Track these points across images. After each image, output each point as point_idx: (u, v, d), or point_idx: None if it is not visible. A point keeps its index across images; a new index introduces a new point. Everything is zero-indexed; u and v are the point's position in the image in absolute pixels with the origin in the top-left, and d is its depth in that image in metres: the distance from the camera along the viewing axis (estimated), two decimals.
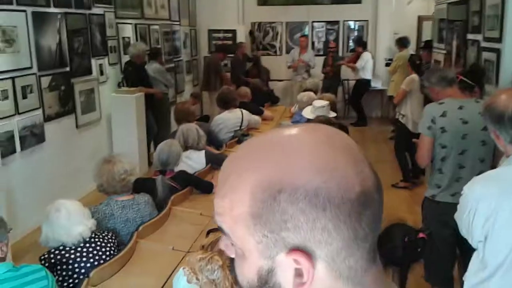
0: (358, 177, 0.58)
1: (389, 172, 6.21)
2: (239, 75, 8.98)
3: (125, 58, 6.55)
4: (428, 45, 6.24)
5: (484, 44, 4.03)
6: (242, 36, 9.95)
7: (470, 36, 4.41)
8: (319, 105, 4.50)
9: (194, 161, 3.75)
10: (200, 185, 3.34)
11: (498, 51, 3.68)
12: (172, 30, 8.57)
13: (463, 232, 1.70)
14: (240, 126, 5.18)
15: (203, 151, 3.81)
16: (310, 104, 4.87)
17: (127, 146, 5.93)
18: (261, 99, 7.11)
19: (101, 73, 6.05)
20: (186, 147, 3.76)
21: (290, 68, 9.49)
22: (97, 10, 5.90)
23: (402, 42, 8.51)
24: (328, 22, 10.19)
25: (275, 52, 10.44)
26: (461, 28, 4.69)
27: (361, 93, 9.35)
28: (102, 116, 6.04)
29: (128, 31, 6.82)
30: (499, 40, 3.68)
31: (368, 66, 9.20)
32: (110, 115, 6.15)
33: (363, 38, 9.80)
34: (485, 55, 3.95)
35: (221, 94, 5.30)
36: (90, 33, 5.75)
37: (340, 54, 9.94)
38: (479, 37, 4.15)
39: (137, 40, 7.00)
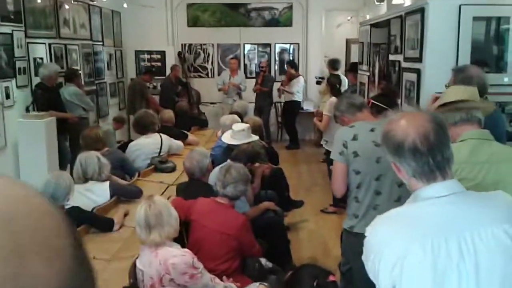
0: None
1: (320, 196, 6.03)
2: (170, 98, 8.60)
3: (37, 80, 6.01)
4: (354, 67, 6.18)
5: (404, 64, 3.94)
6: (171, 58, 9.63)
7: (391, 57, 4.34)
8: (238, 129, 4.23)
9: (96, 194, 3.33)
10: (97, 223, 2.93)
11: (418, 71, 3.58)
12: (94, 51, 8.09)
13: (371, 276, 1.44)
14: (159, 152, 4.80)
15: (107, 182, 3.40)
16: None
17: (36, 175, 5.34)
18: (188, 123, 6.79)
19: (7, 96, 5.48)
20: (85, 179, 3.34)
21: (221, 90, 9.25)
22: (3, 29, 5.37)
23: (333, 64, 8.49)
24: (259, 45, 10.07)
25: (207, 74, 10.17)
26: (384, 50, 4.62)
27: (293, 115, 9.23)
28: (8, 144, 5.45)
29: (41, 51, 6.29)
30: (419, 60, 3.58)
31: (300, 89, 9.13)
32: (17, 142, 5.57)
33: (294, 60, 9.74)
34: (406, 76, 3.86)
35: (137, 118, 4.92)
36: None
37: (273, 74, 9.82)
38: (400, 57, 4.06)
39: (51, 61, 6.48)
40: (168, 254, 2.21)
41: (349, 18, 9.32)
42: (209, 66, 10.14)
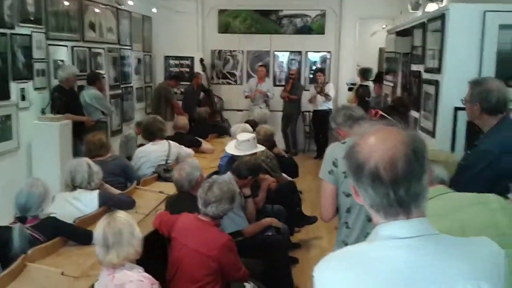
0: None
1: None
2: (191, 104, 8.48)
3: (57, 83, 6.00)
4: (380, 77, 5.84)
5: (425, 75, 3.61)
6: (200, 63, 9.53)
7: (413, 67, 4.00)
8: (243, 139, 4.01)
9: (83, 203, 3.18)
10: (74, 235, 2.76)
11: (436, 83, 3.24)
12: (122, 55, 8.07)
13: None
14: (167, 160, 4.62)
15: (96, 191, 3.23)
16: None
17: (48, 178, 5.26)
18: (206, 130, 6.62)
19: (23, 98, 5.47)
20: (74, 187, 3.19)
21: (248, 98, 9.07)
22: (22, 30, 5.37)
23: (364, 73, 8.16)
24: (290, 52, 9.82)
25: (235, 81, 10.00)
26: (407, 59, 4.29)
27: (324, 124, 8.90)
28: (21, 145, 5.43)
29: (62, 53, 6.29)
30: (438, 70, 3.25)
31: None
32: (31, 144, 5.55)
33: (326, 69, 9.44)
34: (426, 87, 3.52)
35: (145, 124, 4.77)
36: (11, 54, 5.20)
37: (302, 83, 9.55)
38: (421, 68, 3.73)
39: (73, 64, 6.47)
40: (125, 278, 2.00)
41: (384, 26, 8.93)
42: (237, 73, 9.97)
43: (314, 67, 9.71)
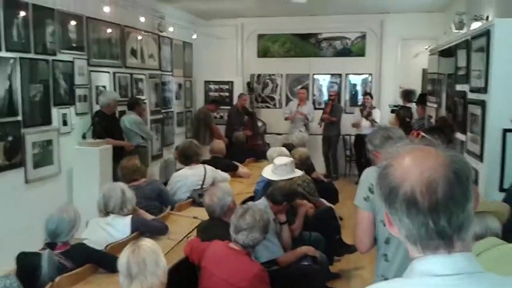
0: None
1: None
2: (235, 127, 8.46)
3: (98, 108, 6.12)
4: (423, 99, 5.62)
5: (470, 95, 3.40)
6: (239, 88, 9.57)
7: (458, 87, 3.79)
8: (280, 163, 3.89)
9: (115, 229, 3.14)
10: (104, 262, 2.70)
11: (483, 103, 3.04)
12: (163, 81, 8.20)
13: None
14: (202, 185, 4.56)
15: (129, 217, 3.19)
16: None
17: (89, 203, 5.33)
18: (244, 154, 6.55)
19: (64, 123, 5.59)
20: (107, 212, 3.17)
21: (287, 119, 8.99)
22: (64, 56, 5.54)
23: (407, 95, 7.92)
24: (330, 75, 9.70)
25: (274, 104, 9.96)
26: (452, 79, 4.08)
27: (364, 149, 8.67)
28: (62, 170, 5.53)
29: (104, 79, 6.43)
30: (484, 90, 3.05)
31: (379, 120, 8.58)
32: (72, 169, 5.64)
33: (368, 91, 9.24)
34: (471, 108, 3.32)
35: (181, 149, 4.75)
36: (53, 80, 5.35)
37: (343, 105, 9.38)
38: (466, 87, 3.52)
39: (115, 89, 6.61)
40: None
41: (426, 47, 8.67)
42: (277, 97, 9.93)
43: (353, 91, 9.54)
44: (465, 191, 0.96)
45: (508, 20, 2.91)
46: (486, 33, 2.98)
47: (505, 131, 2.86)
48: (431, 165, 0.96)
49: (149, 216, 3.47)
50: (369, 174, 2.12)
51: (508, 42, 2.86)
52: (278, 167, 3.90)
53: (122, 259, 2.01)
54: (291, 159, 4.05)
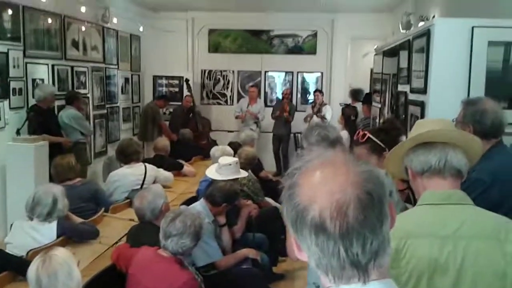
0: None
1: None
2: (177, 125, 8.24)
3: (34, 102, 5.77)
4: (368, 98, 5.63)
5: (411, 96, 3.39)
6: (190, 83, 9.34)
7: (400, 88, 3.78)
8: (225, 163, 3.76)
9: (40, 233, 2.92)
10: (22, 269, 2.46)
11: (422, 104, 3.02)
12: (107, 74, 7.87)
13: None
14: (142, 185, 4.37)
15: (55, 221, 2.96)
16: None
17: (23, 202, 5.03)
18: (190, 152, 6.38)
19: None
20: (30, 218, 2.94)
21: (238, 118, 8.87)
22: None
23: (355, 94, 7.98)
24: (283, 72, 9.65)
25: (226, 101, 9.81)
26: (395, 79, 4.07)
27: None
28: None
29: (42, 72, 6.08)
30: (423, 91, 3.03)
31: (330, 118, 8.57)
32: (5, 165, 5.30)
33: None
34: (411, 109, 3.30)
35: (120, 146, 4.53)
36: None
37: (294, 103, 9.35)
38: (407, 88, 3.51)
39: (54, 83, 6.26)
40: None
41: (375, 47, 8.76)
42: (228, 93, 9.79)
43: (305, 89, 9.54)
44: (379, 214, 0.85)
45: (448, 19, 2.89)
46: (426, 33, 2.96)
47: None
48: (341, 184, 0.85)
49: (77, 219, 3.25)
50: None
51: (448, 43, 2.84)
52: (222, 167, 3.77)
53: (31, 271, 1.82)
54: (236, 159, 3.93)
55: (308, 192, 0.86)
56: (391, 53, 4.25)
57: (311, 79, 9.62)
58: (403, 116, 3.44)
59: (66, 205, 3.12)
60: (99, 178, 7.29)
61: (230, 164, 3.85)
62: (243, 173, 3.99)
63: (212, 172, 3.87)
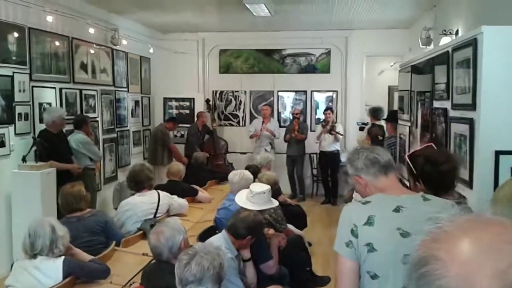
0: None
1: None
2: (193, 147, 7.96)
3: (42, 127, 5.51)
4: (393, 116, 5.30)
5: (452, 113, 3.06)
6: (200, 105, 9.12)
7: (436, 104, 3.46)
8: (258, 191, 3.42)
9: (44, 273, 2.60)
10: None
11: (471, 121, 2.69)
12: (117, 97, 7.64)
13: None
14: (155, 214, 4.05)
15: (61, 259, 2.65)
16: (247, 187, 3.78)
17: None
18: (204, 176, 6.06)
19: (2, 144, 4.98)
20: (34, 254, 2.62)
21: (252, 137, 8.56)
22: (2, 70, 4.95)
23: (375, 113, 7.64)
24: (295, 92, 9.38)
25: (238, 122, 9.52)
26: (428, 96, 3.75)
27: (332, 167, 8.34)
28: (0, 196, 4.90)
29: (49, 96, 5.84)
30: (471, 107, 2.70)
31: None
32: (10, 194, 5.03)
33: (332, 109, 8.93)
34: (455, 127, 2.97)
35: (131, 173, 4.22)
36: None
37: (308, 123, 9.05)
38: (446, 104, 3.19)
39: (62, 107, 6.02)
40: None
41: (392, 64, 8.50)
42: (240, 114, 9.51)
43: (319, 108, 9.24)
44: None
45: (498, 27, 2.59)
46: (471, 43, 2.66)
47: (498, 153, 2.52)
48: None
49: (87, 256, 2.93)
50: (351, 212, 1.69)
51: (502, 51, 2.53)
52: (255, 195, 3.43)
53: None
54: (269, 187, 3.58)
55: (460, 271, 0.55)
56: (417, 69, 3.95)
57: (321, 98, 9.30)
58: (444, 135, 3.11)
59: (67, 235, 2.80)
60: (108, 205, 7.00)
61: (264, 193, 3.52)
62: (275, 202, 3.66)
63: (243, 200, 3.52)
